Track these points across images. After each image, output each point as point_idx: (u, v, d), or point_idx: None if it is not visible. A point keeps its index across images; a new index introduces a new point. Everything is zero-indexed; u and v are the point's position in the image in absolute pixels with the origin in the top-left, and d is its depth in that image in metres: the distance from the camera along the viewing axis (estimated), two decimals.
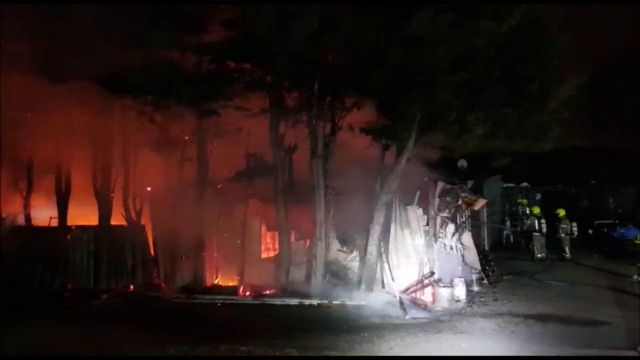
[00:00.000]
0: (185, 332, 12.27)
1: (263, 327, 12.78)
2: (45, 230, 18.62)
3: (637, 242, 10.32)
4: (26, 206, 18.70)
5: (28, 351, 10.86)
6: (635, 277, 10.12)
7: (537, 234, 21.70)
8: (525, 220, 22.74)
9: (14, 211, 19.02)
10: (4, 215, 18.81)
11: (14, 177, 18.55)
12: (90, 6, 14.94)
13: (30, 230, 18.59)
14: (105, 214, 18.30)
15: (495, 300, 15.50)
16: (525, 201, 24.81)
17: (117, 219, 18.66)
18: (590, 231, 25.23)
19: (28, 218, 18.74)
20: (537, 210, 22.88)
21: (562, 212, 22.26)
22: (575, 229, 22.54)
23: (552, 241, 22.18)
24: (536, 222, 21.97)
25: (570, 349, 10.57)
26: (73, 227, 18.36)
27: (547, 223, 22.11)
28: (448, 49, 13.48)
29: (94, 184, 18.18)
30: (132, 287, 18.03)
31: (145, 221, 19.06)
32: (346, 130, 17.12)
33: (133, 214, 18.73)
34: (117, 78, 15.67)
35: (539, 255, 21.41)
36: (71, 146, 17.82)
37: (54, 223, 18.61)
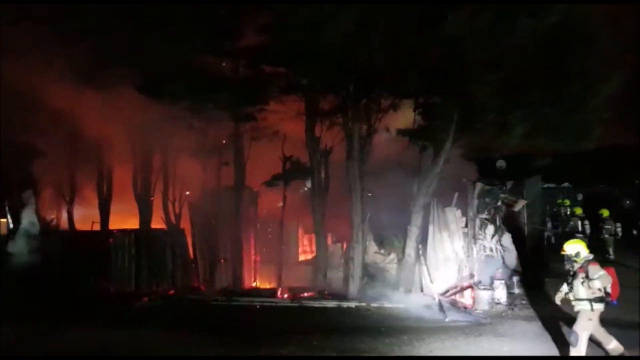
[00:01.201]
0: (225, 334, 12.37)
1: (302, 329, 12.74)
2: (88, 234, 19.01)
3: (564, 253, 9.74)
4: (69, 211, 19.16)
5: (79, 353, 11.09)
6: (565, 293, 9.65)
7: (580, 235, 21.21)
8: (569, 222, 22.17)
9: (57, 216, 19.55)
10: (48, 220, 19.31)
11: (58, 183, 19.01)
12: (128, 12, 15.22)
13: (73, 234, 18.99)
14: (145, 218, 18.59)
15: (537, 302, 15.21)
16: (567, 202, 24.28)
17: (157, 223, 18.95)
18: (634, 232, 24.53)
19: (71, 222, 19.17)
20: (579, 210, 22.38)
21: (605, 213, 21.71)
22: (619, 229, 21.97)
23: (594, 242, 21.67)
24: (579, 223, 21.48)
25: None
26: (115, 231, 18.72)
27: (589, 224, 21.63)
28: (486, 48, 13.31)
29: (135, 188, 18.48)
30: (172, 289, 18.28)
31: (185, 224, 19.30)
32: (382, 132, 17.04)
33: (173, 218, 18.99)
34: (155, 84, 15.95)
35: None
36: (112, 152, 18.20)
37: (96, 227, 19.01)
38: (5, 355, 10.04)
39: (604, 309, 9.37)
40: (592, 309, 9.21)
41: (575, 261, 9.52)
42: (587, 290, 9.21)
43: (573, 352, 9.32)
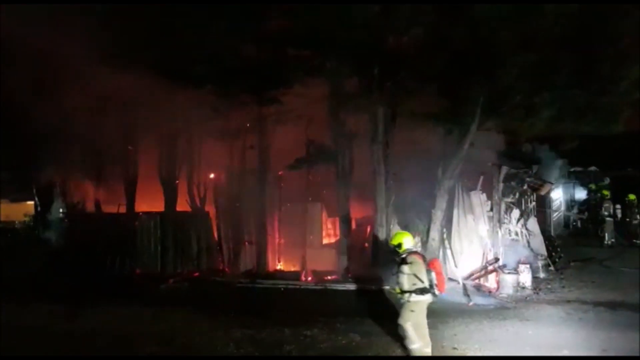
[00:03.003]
0: (250, 316, 12.46)
1: (325, 312, 12.80)
2: (114, 216, 19.26)
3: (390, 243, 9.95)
4: (96, 193, 19.41)
5: (108, 332, 11.30)
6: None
7: (610, 219, 20.92)
8: (602, 205, 21.82)
9: (84, 198, 19.81)
10: (75, 202, 19.58)
11: (84, 166, 19.23)
12: None
13: (100, 217, 19.25)
14: (170, 201, 18.74)
15: (563, 287, 15.08)
16: (596, 185, 24.05)
17: (182, 206, 19.11)
18: None
19: (98, 205, 19.42)
20: (606, 192, 22.15)
21: (632, 197, 21.44)
22: None
23: (620, 227, 21.39)
24: (612, 207, 21.19)
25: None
26: (140, 213, 18.93)
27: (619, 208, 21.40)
28: (513, 30, 13.10)
29: (160, 172, 18.63)
30: (197, 272, 18.46)
31: (209, 207, 19.44)
32: (407, 115, 16.91)
33: (197, 201, 19.13)
34: (181, 68, 16.00)
35: (608, 242, 20.66)
36: (138, 136, 18.36)
37: (122, 210, 19.23)
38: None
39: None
40: (408, 300, 9.09)
41: (398, 252, 9.40)
42: (408, 282, 9.08)
43: (410, 345, 9.26)
